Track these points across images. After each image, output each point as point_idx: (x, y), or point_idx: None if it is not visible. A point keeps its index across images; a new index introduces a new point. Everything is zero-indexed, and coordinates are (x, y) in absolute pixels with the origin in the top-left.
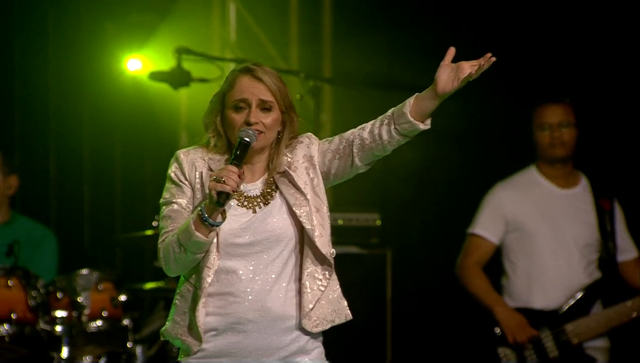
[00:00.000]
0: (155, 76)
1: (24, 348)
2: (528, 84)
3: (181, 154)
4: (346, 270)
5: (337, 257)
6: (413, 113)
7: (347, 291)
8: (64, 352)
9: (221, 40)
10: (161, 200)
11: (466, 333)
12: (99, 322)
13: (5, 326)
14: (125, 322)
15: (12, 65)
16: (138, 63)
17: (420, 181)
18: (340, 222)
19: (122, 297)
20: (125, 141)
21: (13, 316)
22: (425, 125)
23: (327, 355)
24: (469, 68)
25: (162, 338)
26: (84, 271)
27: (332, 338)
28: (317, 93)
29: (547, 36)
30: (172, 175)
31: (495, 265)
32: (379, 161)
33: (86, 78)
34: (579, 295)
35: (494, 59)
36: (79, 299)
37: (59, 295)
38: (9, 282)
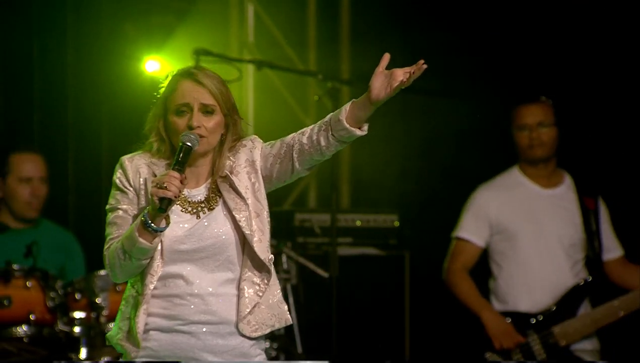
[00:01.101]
0: None
1: (43, 349)
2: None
3: (125, 160)
4: (364, 272)
5: (355, 258)
6: (349, 119)
7: (366, 292)
8: (83, 353)
9: (239, 41)
10: (107, 207)
11: (478, 335)
12: None
13: (24, 327)
14: None
15: (31, 67)
16: (156, 64)
17: (439, 182)
18: (358, 223)
19: None
20: (144, 143)
21: (32, 317)
22: (362, 131)
23: (347, 355)
24: (401, 75)
25: (107, 343)
26: (102, 272)
27: (350, 338)
28: (335, 94)
29: (527, 35)
30: (117, 181)
31: (483, 268)
32: (397, 162)
33: (104, 79)
34: (565, 296)
35: (425, 66)
36: (98, 300)
37: (77, 296)
38: (27, 283)
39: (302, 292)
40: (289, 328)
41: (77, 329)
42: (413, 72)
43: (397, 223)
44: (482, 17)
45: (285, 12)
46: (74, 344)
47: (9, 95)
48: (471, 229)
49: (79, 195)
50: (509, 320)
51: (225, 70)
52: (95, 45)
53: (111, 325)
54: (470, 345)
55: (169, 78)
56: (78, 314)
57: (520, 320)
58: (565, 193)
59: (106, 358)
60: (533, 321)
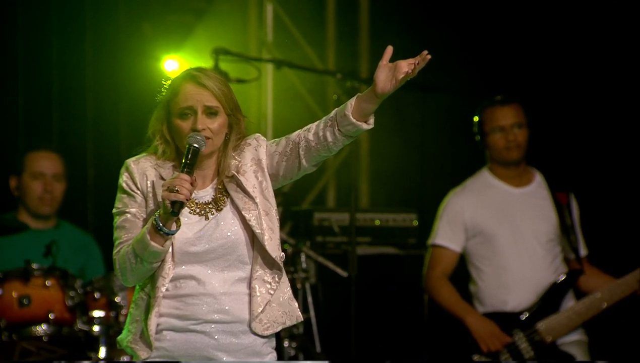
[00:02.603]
0: None
1: (62, 349)
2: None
3: (131, 163)
4: (383, 271)
5: (374, 258)
6: (355, 114)
7: (385, 291)
8: (102, 352)
9: (258, 40)
10: (114, 210)
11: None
12: None
13: (43, 326)
14: None
15: (49, 66)
16: (175, 64)
17: (458, 181)
18: (377, 222)
19: None
20: None
21: (51, 316)
22: (369, 125)
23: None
24: (406, 67)
25: (117, 346)
26: None
27: (369, 338)
28: (354, 94)
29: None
30: (124, 184)
31: (461, 273)
32: (417, 161)
33: (123, 79)
34: (547, 292)
35: (429, 57)
36: (117, 299)
37: (96, 295)
38: (46, 282)
39: (321, 291)
40: (308, 328)
41: (96, 328)
42: (417, 63)
43: (416, 223)
44: (503, 15)
45: (304, 12)
46: (93, 343)
47: (29, 95)
48: (447, 236)
49: (97, 195)
50: (493, 321)
51: (244, 69)
52: (114, 44)
53: None
54: (457, 350)
55: (170, 81)
56: (97, 313)
57: (504, 320)
58: (536, 190)
59: (125, 358)
60: (517, 320)
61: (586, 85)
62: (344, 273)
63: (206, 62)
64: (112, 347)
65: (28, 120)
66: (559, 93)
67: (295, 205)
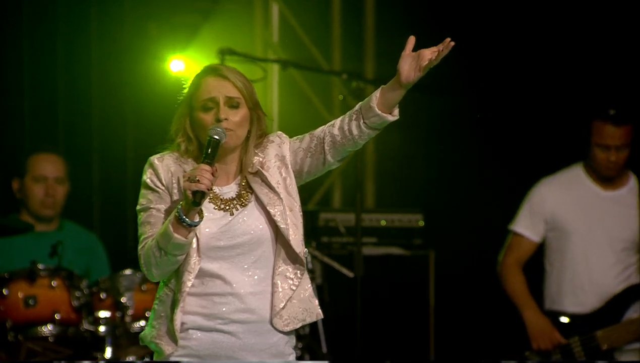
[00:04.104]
0: None
1: (68, 349)
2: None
3: (155, 159)
4: (389, 272)
5: (380, 258)
6: (380, 105)
7: (390, 292)
8: (108, 353)
9: (264, 41)
10: (138, 207)
11: (505, 334)
12: (142, 323)
13: (49, 326)
14: None
15: (54, 67)
16: (181, 64)
17: (464, 182)
18: (383, 223)
19: None
20: (168, 143)
21: (57, 317)
22: (394, 116)
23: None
24: (429, 55)
25: (140, 343)
26: (127, 271)
27: (375, 338)
28: (360, 94)
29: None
30: (148, 181)
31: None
32: (423, 162)
33: (129, 79)
34: (612, 300)
35: (452, 43)
36: (123, 300)
37: (102, 295)
38: (52, 282)
39: (326, 291)
40: (314, 328)
41: (102, 329)
42: (442, 50)
43: (421, 223)
44: (511, 16)
45: (309, 12)
46: (99, 344)
47: (34, 96)
48: (526, 224)
49: (103, 195)
50: (551, 321)
51: (250, 69)
52: (120, 45)
53: (136, 324)
54: (511, 342)
55: (192, 78)
56: (103, 314)
57: (564, 321)
58: (626, 195)
59: (131, 358)
60: (577, 323)
61: None
62: (349, 274)
63: (212, 63)
64: (118, 348)
65: (34, 121)
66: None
67: (301, 205)
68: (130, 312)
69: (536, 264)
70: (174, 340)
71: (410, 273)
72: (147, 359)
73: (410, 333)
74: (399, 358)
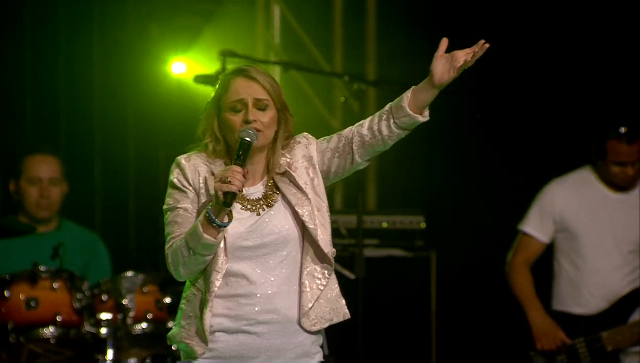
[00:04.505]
0: (200, 79)
1: (69, 351)
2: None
3: (182, 159)
4: (391, 273)
5: (382, 260)
6: (411, 106)
7: (392, 293)
8: (109, 355)
9: (265, 43)
10: (165, 207)
11: (508, 335)
12: (143, 325)
13: (51, 328)
14: (170, 324)
15: (56, 68)
16: (183, 66)
17: (465, 183)
18: (384, 224)
19: (167, 300)
20: (170, 144)
21: (58, 318)
22: (424, 117)
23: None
24: (463, 56)
25: (168, 343)
26: (129, 273)
27: (377, 340)
28: (362, 96)
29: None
30: (175, 180)
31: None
32: (424, 163)
33: (130, 81)
34: (618, 302)
35: (487, 45)
36: (124, 302)
37: (104, 297)
38: (54, 284)
39: None
40: None
41: (103, 330)
42: (477, 52)
43: (423, 225)
44: (512, 17)
45: (311, 14)
46: (100, 345)
47: (36, 97)
48: (535, 224)
49: (105, 196)
50: (556, 321)
51: None
52: (122, 46)
53: (137, 326)
54: (514, 344)
55: (220, 79)
56: (104, 315)
57: (569, 322)
58: (635, 198)
59: (133, 360)
60: (582, 324)
61: None
62: (351, 276)
63: (214, 65)
64: (120, 349)
65: (35, 122)
66: None
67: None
68: (131, 314)
69: (546, 264)
70: (204, 340)
71: (412, 275)
72: (148, 361)
73: (412, 335)
74: (401, 360)
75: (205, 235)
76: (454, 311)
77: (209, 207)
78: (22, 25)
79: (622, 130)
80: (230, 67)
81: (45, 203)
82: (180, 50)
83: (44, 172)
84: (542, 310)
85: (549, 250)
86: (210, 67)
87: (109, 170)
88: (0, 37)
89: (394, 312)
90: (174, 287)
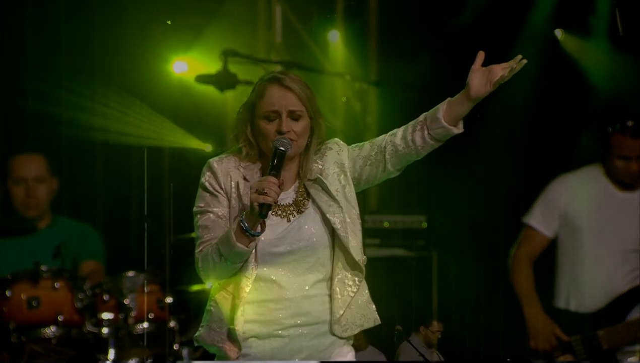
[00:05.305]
0: (202, 79)
1: (71, 350)
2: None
3: (214, 162)
4: (392, 273)
5: (383, 260)
6: (446, 118)
7: (393, 293)
8: (111, 354)
9: (267, 42)
10: (195, 209)
11: (508, 335)
12: (145, 324)
13: (52, 328)
14: (172, 324)
15: (58, 68)
16: (184, 65)
17: (467, 183)
18: (386, 224)
19: (169, 299)
20: (171, 143)
21: (60, 318)
22: (459, 129)
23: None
24: (500, 71)
25: (195, 344)
26: (131, 273)
27: (378, 339)
28: (363, 95)
29: None
30: (207, 184)
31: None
32: (425, 163)
33: (132, 80)
34: (615, 300)
35: (525, 61)
36: (126, 301)
37: (105, 297)
38: (55, 284)
39: None
40: None
41: (105, 330)
42: (514, 67)
43: (424, 225)
44: (514, 19)
45: (313, 14)
46: (102, 345)
47: (37, 98)
48: (540, 218)
49: (106, 197)
50: (553, 320)
51: (253, 71)
52: (123, 46)
53: (139, 326)
54: (514, 343)
55: (256, 84)
56: (106, 315)
57: (567, 319)
58: None
59: (134, 360)
60: (579, 322)
61: None
62: None
63: (215, 64)
64: (121, 349)
65: (36, 122)
66: None
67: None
68: (133, 313)
69: (550, 261)
70: (238, 345)
71: (413, 274)
72: (149, 361)
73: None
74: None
75: (239, 244)
76: (455, 309)
77: (243, 216)
78: (24, 25)
79: (629, 123)
80: (231, 66)
81: (32, 203)
82: (181, 50)
83: (27, 171)
84: (540, 308)
85: (553, 247)
86: (211, 66)
87: (110, 170)
88: (1, 37)
89: (396, 312)
90: (176, 287)
